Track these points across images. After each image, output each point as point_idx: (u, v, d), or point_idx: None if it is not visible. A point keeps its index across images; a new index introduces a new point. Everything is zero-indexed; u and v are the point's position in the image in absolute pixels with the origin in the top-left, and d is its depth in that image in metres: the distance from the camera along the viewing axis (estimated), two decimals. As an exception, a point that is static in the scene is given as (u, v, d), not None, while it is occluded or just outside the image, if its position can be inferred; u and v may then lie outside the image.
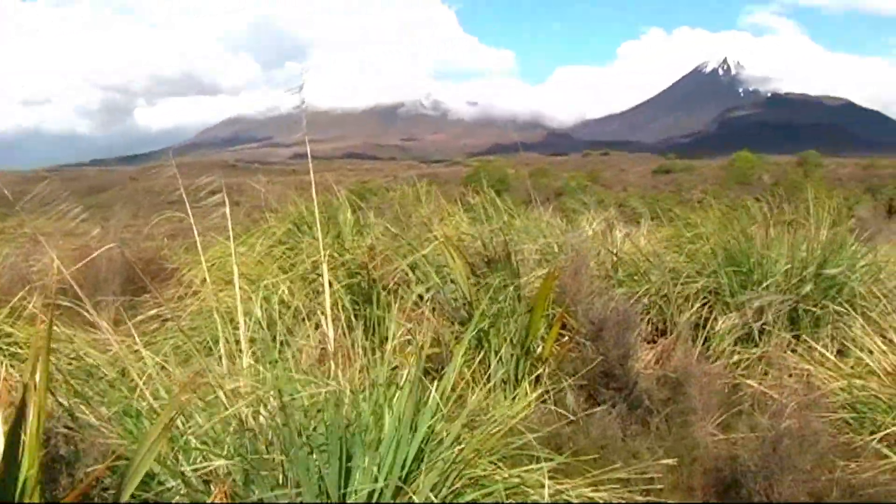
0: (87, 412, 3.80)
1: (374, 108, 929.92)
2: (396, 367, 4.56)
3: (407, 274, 6.82)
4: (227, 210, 5.30)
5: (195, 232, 5.43)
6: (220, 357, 4.54)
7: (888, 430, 4.91)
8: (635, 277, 7.05)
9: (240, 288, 5.04)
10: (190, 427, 3.78)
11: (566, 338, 5.96)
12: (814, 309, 6.41)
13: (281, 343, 4.71)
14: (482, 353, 5.62)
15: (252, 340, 4.73)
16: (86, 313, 4.70)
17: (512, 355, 5.67)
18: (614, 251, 7.50)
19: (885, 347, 5.50)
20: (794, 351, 6.07)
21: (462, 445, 3.84)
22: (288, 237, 8.14)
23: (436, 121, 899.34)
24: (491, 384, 5.25)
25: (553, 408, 5.31)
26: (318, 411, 3.85)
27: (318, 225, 6.11)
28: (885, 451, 4.77)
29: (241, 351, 4.59)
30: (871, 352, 5.52)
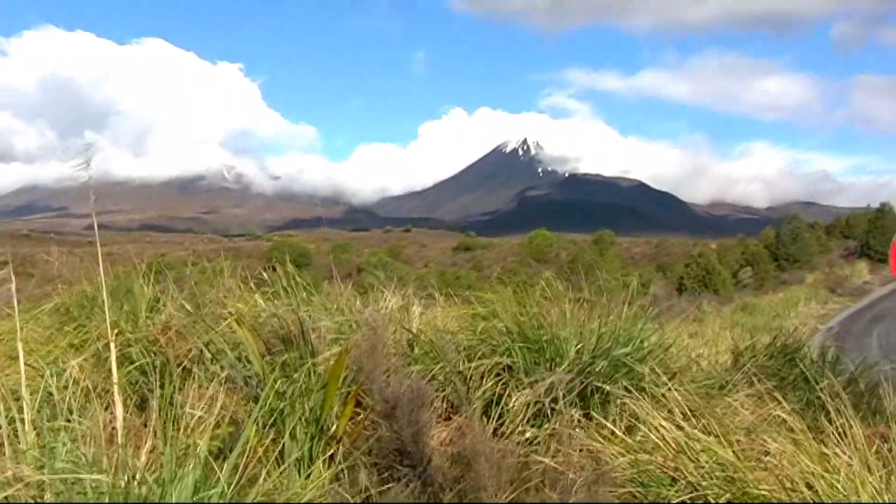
0: None
1: (174, 180, 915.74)
2: (188, 447, 4.49)
3: (202, 352, 6.73)
4: (13, 283, 5.14)
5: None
6: (2, 440, 4.39)
7: (672, 503, 5.09)
8: (431, 355, 7.11)
9: (27, 365, 4.88)
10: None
11: (361, 416, 5.97)
12: (604, 386, 6.59)
13: (68, 423, 4.57)
14: (276, 432, 5.57)
15: (37, 421, 4.58)
16: None
17: (306, 433, 5.63)
18: (411, 328, 7.56)
19: (668, 424, 5.70)
20: (583, 428, 6.22)
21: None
22: (80, 312, 7.91)
23: (237, 194, 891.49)
24: (285, 464, 5.21)
25: (346, 487, 5.30)
26: (102, 494, 3.75)
27: (108, 301, 5.97)
28: (669, 522, 4.96)
29: (24, 432, 4.44)
30: (656, 428, 5.71)
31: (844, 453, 5.15)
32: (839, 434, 5.38)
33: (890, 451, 5.35)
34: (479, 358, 6.90)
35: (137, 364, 6.60)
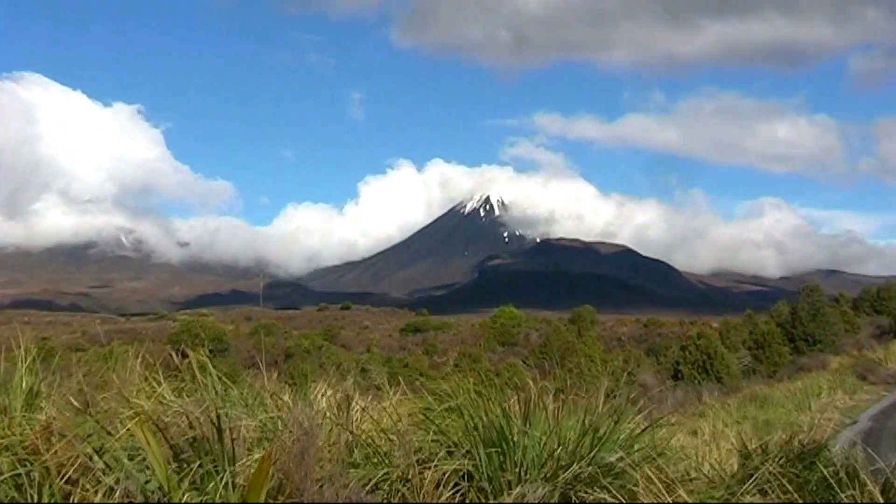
0: None
1: (58, 248, 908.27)
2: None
3: (92, 459, 6.64)
4: None
5: None
6: None
7: None
8: (374, 459, 7.07)
9: None
10: None
11: (289, 535, 5.91)
12: (584, 496, 6.57)
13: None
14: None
15: None
16: None
17: (222, 558, 5.58)
18: (350, 428, 7.52)
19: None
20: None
21: None
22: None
23: (136, 264, 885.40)
24: None
25: None
26: None
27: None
28: None
29: None
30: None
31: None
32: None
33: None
34: (434, 462, 6.86)
35: (9, 475, 6.51)
